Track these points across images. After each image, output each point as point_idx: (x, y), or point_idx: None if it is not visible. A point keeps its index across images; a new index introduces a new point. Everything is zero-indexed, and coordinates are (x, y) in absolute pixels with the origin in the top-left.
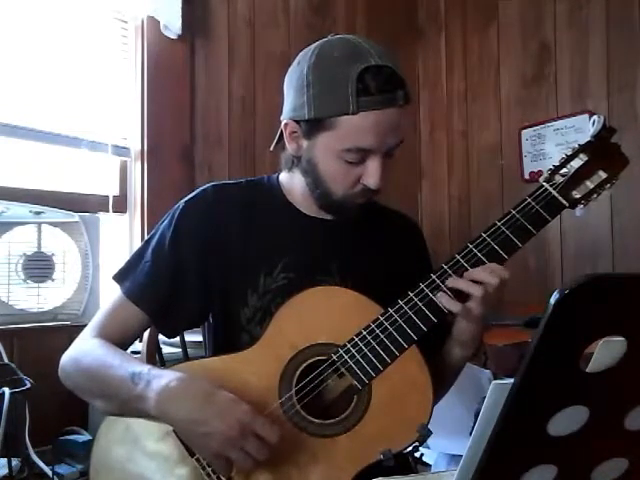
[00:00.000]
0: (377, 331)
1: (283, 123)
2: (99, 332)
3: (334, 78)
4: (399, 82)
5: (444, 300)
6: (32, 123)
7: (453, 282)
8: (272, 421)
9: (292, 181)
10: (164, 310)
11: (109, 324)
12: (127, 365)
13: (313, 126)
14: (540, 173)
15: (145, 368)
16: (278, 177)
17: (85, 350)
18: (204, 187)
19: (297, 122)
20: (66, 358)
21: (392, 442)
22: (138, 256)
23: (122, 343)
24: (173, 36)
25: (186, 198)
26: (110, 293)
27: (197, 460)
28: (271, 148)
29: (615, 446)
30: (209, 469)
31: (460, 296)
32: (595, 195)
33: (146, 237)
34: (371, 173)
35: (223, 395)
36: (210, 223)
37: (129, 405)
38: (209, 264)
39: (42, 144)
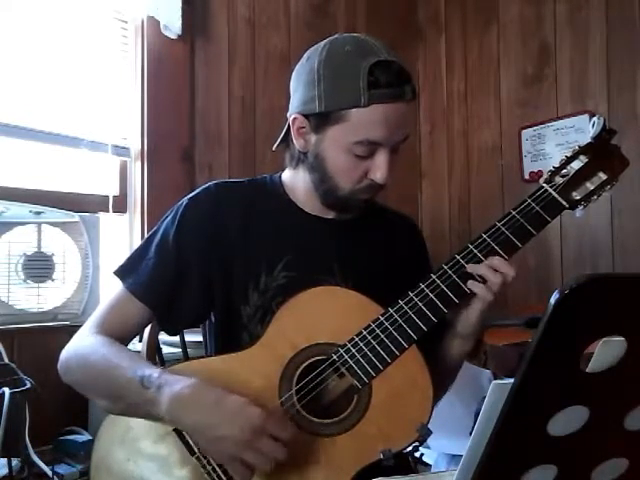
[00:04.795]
0: (377, 331)
1: (291, 118)
2: (100, 327)
3: (345, 71)
4: (407, 77)
5: (476, 288)
6: (32, 123)
7: (474, 268)
8: (283, 418)
9: (295, 179)
10: (167, 306)
11: (111, 319)
12: (135, 367)
13: (323, 120)
14: (540, 173)
15: (155, 372)
16: (280, 176)
17: (88, 347)
18: (207, 185)
19: (306, 117)
20: (68, 353)
21: (392, 442)
22: (141, 252)
23: (123, 338)
24: (173, 36)
25: (189, 195)
26: (110, 291)
27: (197, 459)
28: (274, 147)
29: (615, 446)
30: (209, 468)
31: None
32: (595, 196)
33: (149, 233)
34: (379, 167)
35: (234, 399)
36: (213, 221)
37: (138, 408)
38: (211, 261)
39: (42, 144)
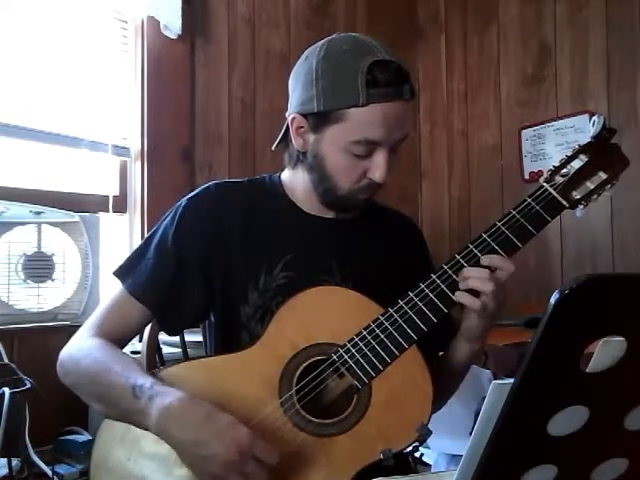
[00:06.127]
0: (377, 331)
1: (290, 118)
2: (99, 328)
3: (344, 71)
4: (405, 76)
5: (464, 298)
6: (32, 123)
7: (470, 282)
8: (269, 442)
9: (294, 179)
10: (167, 307)
11: (110, 320)
12: (129, 374)
13: (321, 119)
14: (540, 173)
15: (147, 382)
16: (280, 176)
17: (84, 349)
18: (207, 185)
19: (304, 116)
20: (65, 355)
21: (392, 442)
22: (140, 252)
23: (122, 339)
24: (173, 36)
25: (189, 195)
26: (110, 291)
27: None
28: (273, 147)
29: (615, 446)
30: None
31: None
32: (595, 196)
33: (148, 234)
34: (378, 166)
35: (224, 417)
36: (212, 221)
37: (129, 416)
38: (211, 262)
39: (42, 144)
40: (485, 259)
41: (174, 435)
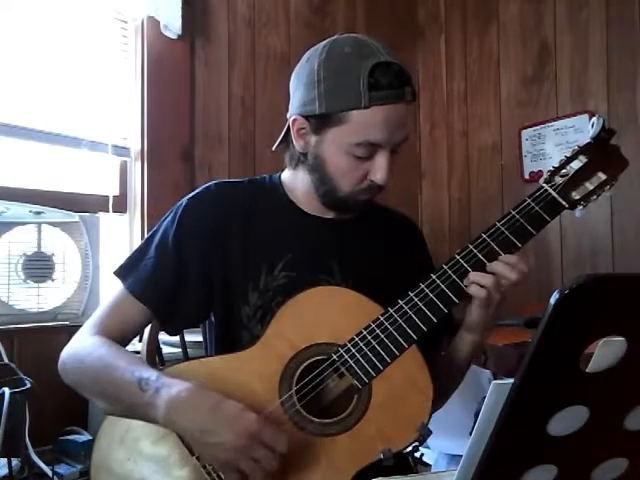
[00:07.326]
0: (377, 331)
1: (291, 119)
2: (100, 327)
3: (346, 73)
4: (407, 78)
5: (471, 288)
6: (32, 123)
7: (492, 267)
8: (278, 427)
9: (294, 179)
10: (167, 306)
11: (110, 319)
12: (133, 368)
13: (323, 121)
14: (540, 173)
15: (153, 374)
16: (280, 176)
17: (87, 347)
18: (207, 185)
19: (306, 118)
20: (67, 354)
21: (392, 442)
22: (141, 252)
23: (122, 339)
24: (173, 36)
25: (189, 195)
26: (110, 291)
27: (198, 459)
28: (273, 148)
29: (615, 446)
30: (209, 468)
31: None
32: (595, 196)
33: (149, 233)
34: (379, 168)
35: (232, 405)
36: (213, 221)
37: (135, 410)
38: (211, 261)
39: (42, 144)
40: (505, 258)
41: (183, 425)
